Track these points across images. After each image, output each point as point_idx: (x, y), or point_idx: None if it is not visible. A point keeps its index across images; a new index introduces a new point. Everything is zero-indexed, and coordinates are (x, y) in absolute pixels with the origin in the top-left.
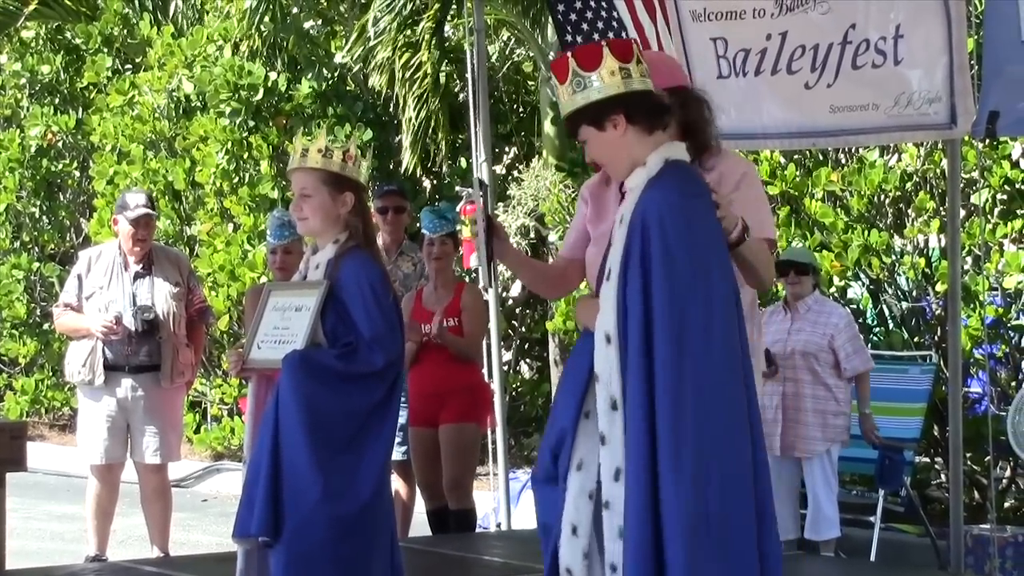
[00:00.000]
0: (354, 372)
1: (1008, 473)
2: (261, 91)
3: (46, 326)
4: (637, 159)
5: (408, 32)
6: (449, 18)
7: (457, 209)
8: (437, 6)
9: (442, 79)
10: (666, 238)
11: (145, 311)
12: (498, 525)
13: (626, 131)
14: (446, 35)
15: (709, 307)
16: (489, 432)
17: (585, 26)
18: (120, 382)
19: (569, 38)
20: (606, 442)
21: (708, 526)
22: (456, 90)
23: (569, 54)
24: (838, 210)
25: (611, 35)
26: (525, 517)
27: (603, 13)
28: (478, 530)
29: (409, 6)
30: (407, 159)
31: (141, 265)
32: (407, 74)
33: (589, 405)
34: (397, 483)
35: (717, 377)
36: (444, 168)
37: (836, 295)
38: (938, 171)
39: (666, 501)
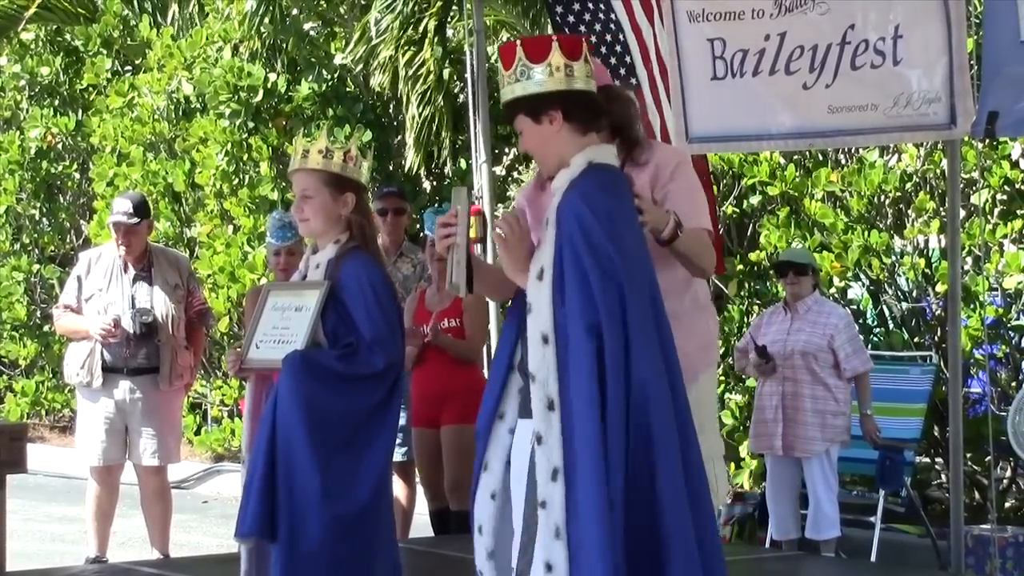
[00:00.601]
0: (355, 373)
1: (1008, 473)
2: (261, 92)
3: (46, 328)
4: (565, 158)
5: (411, 30)
6: (449, 19)
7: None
8: (439, 3)
9: (445, 77)
10: (591, 236)
11: (143, 314)
12: None
13: (561, 128)
14: (447, 35)
15: (641, 297)
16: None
17: (583, 28)
18: (118, 384)
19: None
20: (542, 442)
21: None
22: (456, 91)
23: (518, 42)
24: (838, 211)
25: (608, 37)
26: None
27: (601, 15)
28: None
29: (411, 4)
30: (411, 158)
31: (140, 267)
32: (410, 72)
33: (505, 406)
34: (397, 484)
35: (658, 369)
36: (447, 169)
37: (836, 296)
38: (938, 171)
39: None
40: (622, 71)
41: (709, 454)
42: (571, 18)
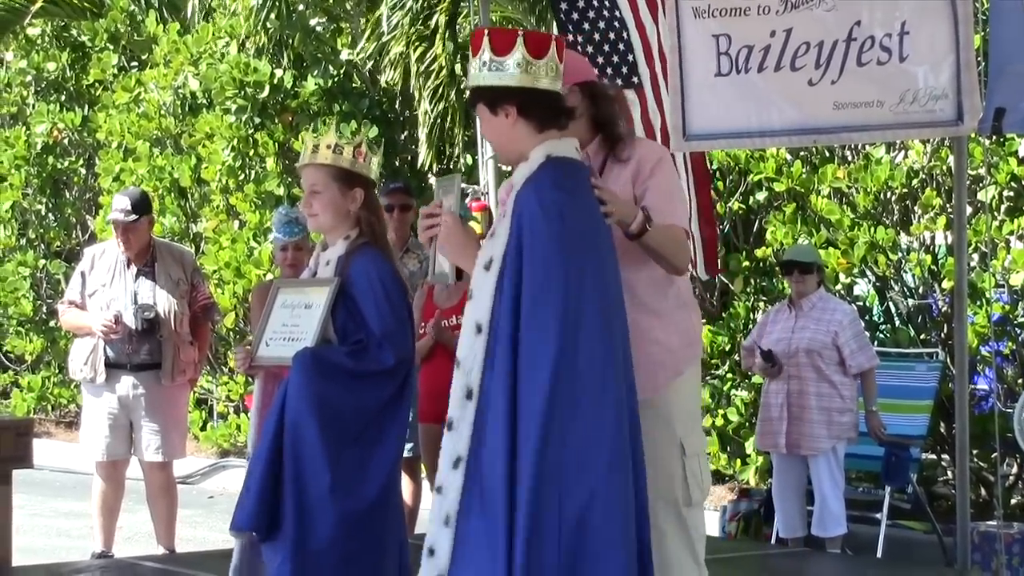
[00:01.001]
0: (365, 370)
1: (1015, 470)
2: (267, 88)
3: (52, 323)
4: (523, 151)
5: (421, 26)
6: (459, 14)
7: (465, 203)
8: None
9: (457, 71)
10: (536, 235)
11: (145, 309)
12: None
13: (516, 123)
14: (457, 30)
15: (577, 305)
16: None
17: (586, 25)
18: (121, 380)
19: (571, 37)
20: (452, 428)
21: (559, 537)
22: (464, 87)
23: (486, 31)
24: (844, 207)
25: (612, 35)
26: None
27: (605, 13)
28: None
29: (420, 0)
30: (423, 153)
31: (144, 263)
32: (422, 67)
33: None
34: (402, 480)
35: (581, 378)
36: (461, 164)
37: (842, 292)
38: (945, 168)
39: (519, 502)
40: (624, 69)
41: (695, 449)
42: (575, 15)
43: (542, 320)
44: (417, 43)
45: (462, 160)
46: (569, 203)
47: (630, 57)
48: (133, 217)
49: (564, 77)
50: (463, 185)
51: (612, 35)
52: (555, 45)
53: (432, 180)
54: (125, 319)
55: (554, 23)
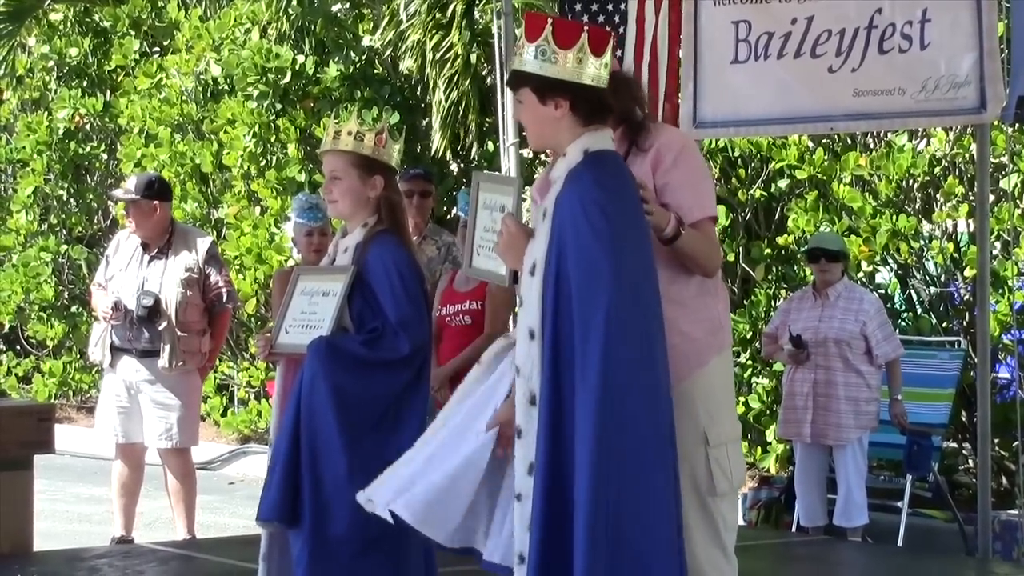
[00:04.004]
0: (380, 358)
1: None
2: (288, 74)
3: (74, 309)
4: (561, 144)
5: (439, 14)
6: (477, 1)
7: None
8: None
9: (472, 60)
10: (580, 236)
11: (145, 297)
12: None
13: (564, 116)
14: (475, 18)
15: (622, 304)
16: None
17: (586, 17)
18: (126, 364)
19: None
20: (522, 435)
21: (607, 525)
22: (484, 74)
23: (550, 20)
24: (866, 195)
25: (608, 29)
26: None
27: (609, 6)
28: None
29: None
30: (437, 141)
31: (158, 248)
32: (437, 56)
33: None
34: None
35: (621, 379)
36: (473, 151)
37: (864, 280)
38: (967, 156)
39: (576, 499)
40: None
41: (722, 439)
42: (577, 6)
43: (590, 323)
44: (434, 31)
45: (476, 148)
46: (611, 202)
47: (618, 53)
48: (133, 196)
49: None
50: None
51: (608, 29)
52: (611, 43)
53: (452, 167)
54: (129, 304)
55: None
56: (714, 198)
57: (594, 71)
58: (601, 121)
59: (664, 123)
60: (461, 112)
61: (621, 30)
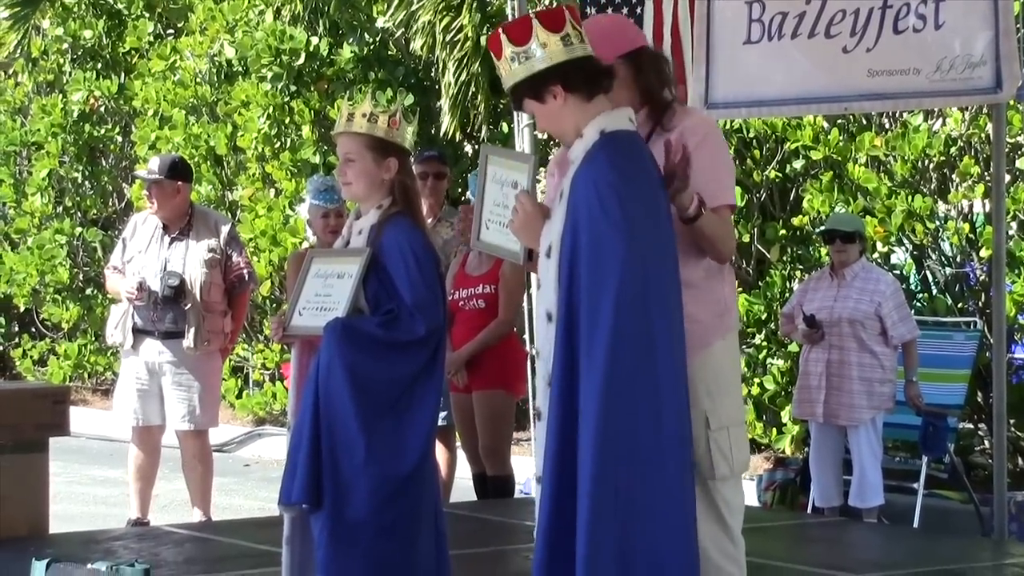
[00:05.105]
0: (396, 340)
1: None
2: (303, 56)
3: (88, 291)
4: (579, 127)
5: None
6: None
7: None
8: None
9: (482, 42)
10: (594, 221)
11: (170, 277)
12: None
13: (566, 100)
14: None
15: (634, 291)
16: (530, 397)
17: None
18: (149, 346)
19: (588, 9)
20: (541, 418)
21: (615, 508)
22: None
23: (501, 30)
24: (882, 175)
25: (625, 10)
26: None
27: None
28: (520, 496)
29: None
30: (446, 123)
31: (178, 230)
32: (447, 37)
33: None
34: (437, 449)
35: (627, 363)
36: (484, 133)
37: (879, 261)
38: (983, 136)
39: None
40: None
41: (723, 422)
42: None
43: (598, 307)
44: (444, 12)
45: (486, 130)
46: (625, 184)
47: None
48: (156, 176)
49: (610, 47)
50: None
51: (625, 10)
52: (568, 13)
53: (467, 149)
54: (153, 286)
55: None
56: (733, 186)
57: (560, 46)
58: (603, 90)
59: (691, 107)
60: (471, 94)
61: (639, 11)
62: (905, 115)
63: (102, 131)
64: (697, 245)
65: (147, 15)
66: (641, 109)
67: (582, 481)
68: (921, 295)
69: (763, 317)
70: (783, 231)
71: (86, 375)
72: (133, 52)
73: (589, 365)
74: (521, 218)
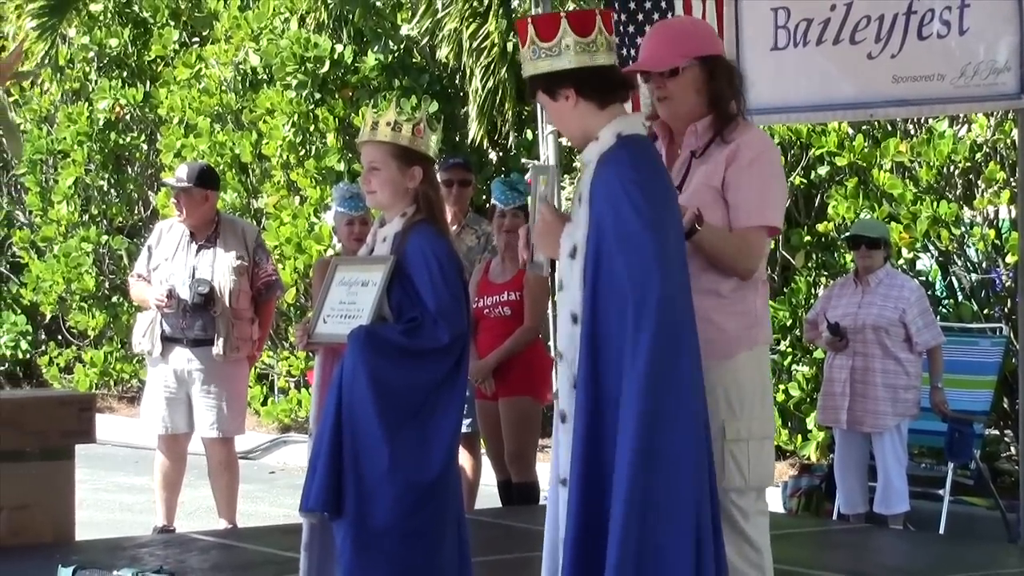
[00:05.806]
0: (419, 348)
1: None
2: (327, 63)
3: (115, 299)
4: (589, 131)
5: (475, 2)
6: None
7: (527, 179)
8: None
9: (509, 48)
10: (621, 218)
11: (200, 284)
12: None
13: (577, 104)
14: (512, 6)
15: (673, 293)
16: (555, 403)
17: (632, 4)
18: (177, 353)
19: (615, 16)
20: (565, 420)
21: (642, 517)
22: (518, 60)
23: (529, 20)
24: (907, 181)
25: (656, 16)
26: None
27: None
28: (545, 503)
29: None
30: (474, 130)
31: (205, 237)
32: (474, 44)
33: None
34: (462, 455)
35: (671, 362)
36: (511, 140)
37: (905, 267)
38: (1008, 141)
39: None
40: None
41: (742, 435)
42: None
43: (642, 307)
44: (470, 19)
45: (512, 137)
46: (648, 184)
47: None
48: (185, 184)
49: (686, 46)
50: (524, 160)
51: (657, 16)
52: (600, 19)
53: (492, 156)
54: (181, 294)
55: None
56: (780, 209)
57: (580, 52)
58: (618, 99)
59: (752, 123)
60: (498, 101)
61: (669, 16)
62: (930, 121)
63: (128, 139)
64: None
65: (172, 23)
66: (705, 116)
67: (618, 483)
68: (947, 301)
69: (788, 324)
70: (808, 237)
71: (112, 382)
72: (159, 60)
73: (632, 364)
74: (540, 226)
